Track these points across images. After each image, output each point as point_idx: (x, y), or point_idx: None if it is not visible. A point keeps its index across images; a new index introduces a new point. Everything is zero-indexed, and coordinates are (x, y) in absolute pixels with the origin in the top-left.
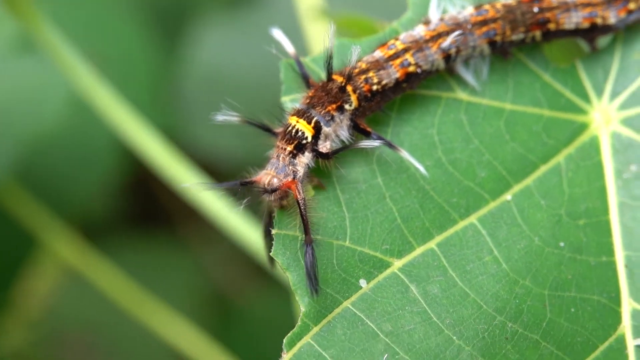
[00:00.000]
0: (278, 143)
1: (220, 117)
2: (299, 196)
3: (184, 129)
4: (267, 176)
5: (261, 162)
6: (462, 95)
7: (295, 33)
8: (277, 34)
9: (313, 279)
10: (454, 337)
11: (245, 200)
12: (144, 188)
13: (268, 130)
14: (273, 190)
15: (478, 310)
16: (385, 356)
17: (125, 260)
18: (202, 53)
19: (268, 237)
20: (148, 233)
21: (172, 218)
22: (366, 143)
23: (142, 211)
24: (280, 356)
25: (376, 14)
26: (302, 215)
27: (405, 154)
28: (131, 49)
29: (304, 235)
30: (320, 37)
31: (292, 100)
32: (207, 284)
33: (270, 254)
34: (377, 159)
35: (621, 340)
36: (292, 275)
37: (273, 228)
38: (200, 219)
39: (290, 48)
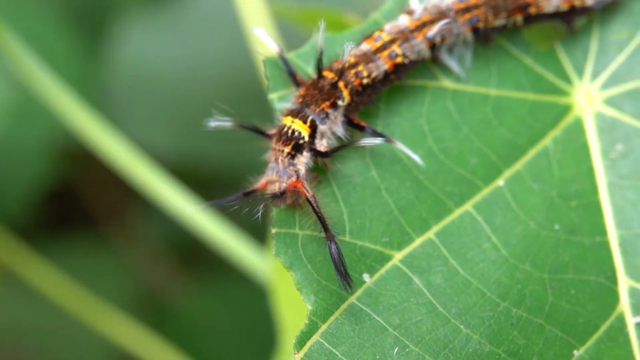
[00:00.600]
0: (274, 145)
1: (212, 124)
2: (308, 194)
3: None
4: (270, 183)
5: (198, 158)
6: (447, 83)
7: (229, 25)
8: (260, 32)
9: (344, 274)
10: (462, 326)
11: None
12: (69, 190)
13: (261, 133)
14: (282, 194)
15: (482, 297)
16: (396, 350)
17: (57, 262)
18: (127, 52)
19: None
20: (74, 235)
21: (95, 219)
22: (367, 141)
23: (67, 213)
24: (292, 356)
25: (328, 4)
26: (316, 213)
27: (401, 146)
28: (53, 51)
29: (324, 233)
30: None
31: (279, 97)
32: (137, 283)
33: (273, 253)
34: (369, 152)
35: (621, 319)
36: (295, 274)
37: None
38: (123, 219)
39: (274, 46)
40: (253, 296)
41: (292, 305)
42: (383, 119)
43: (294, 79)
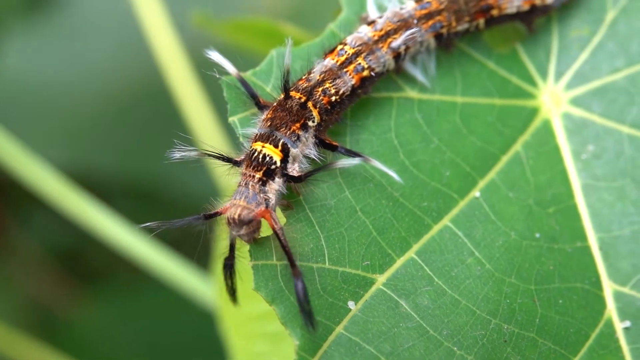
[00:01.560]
0: (244, 171)
1: (177, 155)
2: (275, 226)
3: None
4: (236, 207)
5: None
6: (412, 93)
7: (121, 29)
8: (215, 55)
9: (308, 313)
10: (455, 348)
11: (210, 234)
12: None
13: (228, 160)
14: (247, 222)
15: (472, 316)
16: None
17: None
18: (6, 64)
19: (227, 270)
20: None
21: None
22: (343, 163)
23: None
24: None
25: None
26: (283, 247)
27: (378, 165)
28: None
29: (290, 268)
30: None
31: (240, 119)
32: (22, 295)
33: (253, 288)
34: (340, 172)
35: (609, 325)
36: (278, 308)
37: (232, 261)
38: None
39: (231, 69)
40: (155, 307)
41: (239, 329)
42: (350, 135)
43: (256, 101)
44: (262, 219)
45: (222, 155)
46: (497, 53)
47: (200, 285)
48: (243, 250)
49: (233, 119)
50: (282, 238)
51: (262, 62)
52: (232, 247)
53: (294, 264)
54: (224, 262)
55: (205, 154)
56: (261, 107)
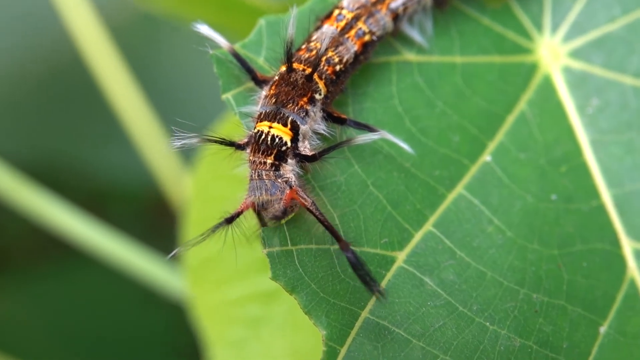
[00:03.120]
0: (251, 157)
1: (177, 144)
2: (306, 203)
3: None
4: (267, 204)
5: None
6: (410, 56)
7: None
8: (204, 29)
9: (372, 282)
10: (487, 324)
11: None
12: None
13: (231, 144)
14: (283, 213)
15: (500, 287)
16: None
17: None
18: None
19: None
20: None
21: None
22: (363, 139)
23: None
24: None
25: None
26: (322, 222)
27: (389, 136)
28: None
29: (337, 243)
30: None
31: (234, 96)
32: None
33: (269, 277)
34: (347, 146)
35: (633, 285)
36: (299, 297)
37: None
38: None
39: (224, 43)
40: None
41: (214, 315)
42: (353, 105)
43: (253, 76)
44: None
45: (223, 139)
46: (491, 9)
47: (142, 263)
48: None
49: (227, 96)
50: (317, 213)
51: (251, 32)
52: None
53: (338, 236)
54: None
55: (206, 139)
56: (259, 82)
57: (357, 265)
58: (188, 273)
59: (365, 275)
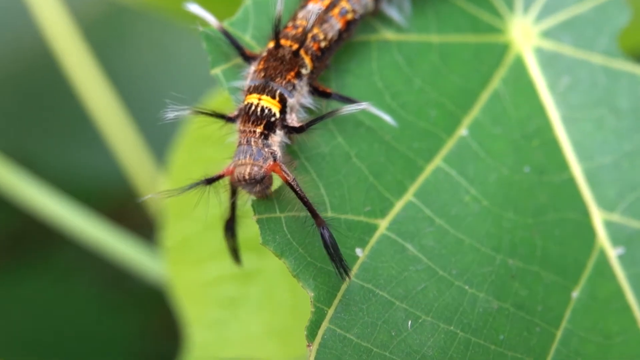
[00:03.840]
0: (241, 127)
1: (171, 115)
2: (288, 178)
3: None
4: (244, 166)
5: None
6: (389, 35)
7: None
8: (194, 8)
9: (340, 261)
10: (466, 287)
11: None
12: None
13: (221, 117)
14: (259, 180)
15: (477, 253)
16: (410, 322)
17: None
18: None
19: (229, 232)
20: None
21: None
22: (348, 109)
23: None
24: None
25: None
26: (300, 197)
27: (373, 110)
28: None
29: (312, 219)
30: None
31: (224, 72)
32: None
33: (260, 243)
34: (332, 119)
35: (602, 253)
36: (288, 260)
37: (233, 224)
38: None
39: (212, 20)
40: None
41: (192, 296)
42: (336, 81)
43: (241, 52)
44: (273, 173)
45: (214, 112)
46: None
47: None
48: (242, 210)
49: (216, 71)
50: (297, 189)
51: (238, 11)
52: (233, 209)
53: (315, 213)
54: (226, 224)
55: (197, 111)
56: (247, 58)
57: (330, 244)
58: (165, 254)
59: (335, 255)
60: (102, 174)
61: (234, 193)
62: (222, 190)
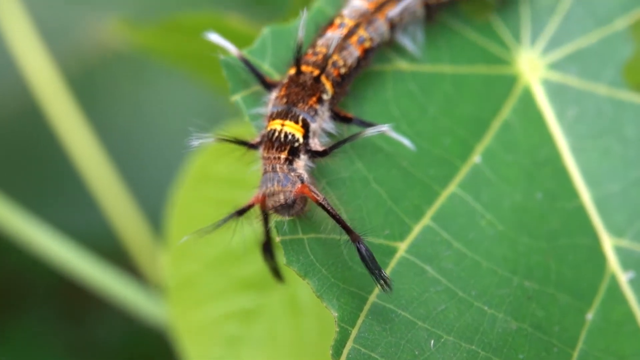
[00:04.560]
0: (265, 154)
1: (195, 143)
2: (318, 198)
3: None
4: (275, 195)
5: None
6: (403, 65)
7: None
8: (214, 37)
9: (381, 275)
10: (485, 307)
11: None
12: None
13: (244, 144)
14: (292, 203)
15: (495, 276)
16: (432, 342)
17: None
18: None
19: (268, 254)
20: None
21: None
22: (371, 131)
23: None
24: None
25: None
26: (333, 216)
27: (392, 133)
28: None
29: (347, 236)
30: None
31: (243, 97)
32: None
33: (284, 263)
34: (350, 144)
35: (613, 277)
36: (312, 281)
37: (270, 245)
38: None
39: (234, 50)
40: None
41: (194, 335)
42: (354, 107)
43: (262, 80)
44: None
45: (237, 139)
46: (475, 24)
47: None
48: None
49: (236, 98)
50: (329, 208)
51: (256, 40)
52: (267, 232)
53: (349, 229)
54: (263, 248)
55: (221, 139)
56: (267, 85)
57: (367, 257)
58: (167, 294)
59: (375, 268)
60: (87, 227)
61: (266, 219)
62: (253, 218)
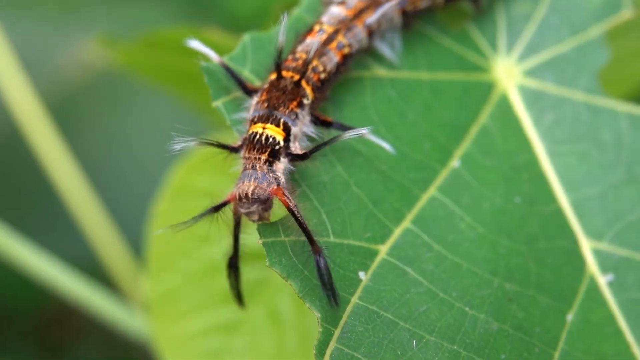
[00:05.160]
0: (247, 154)
1: (178, 146)
2: (290, 204)
3: None
4: (247, 187)
5: None
6: (381, 72)
7: None
8: (195, 44)
9: (332, 290)
10: (466, 308)
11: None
12: None
13: (225, 147)
14: (261, 201)
15: (476, 277)
16: (414, 342)
17: None
18: None
19: (233, 270)
20: None
21: None
22: (349, 134)
23: None
24: None
25: None
26: (300, 224)
27: (372, 137)
28: None
29: (310, 245)
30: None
31: (225, 104)
32: None
33: (266, 265)
34: (330, 148)
35: (593, 280)
36: (294, 283)
37: (237, 260)
38: None
39: (215, 57)
40: None
41: (176, 350)
42: (333, 112)
43: (242, 86)
44: (275, 198)
45: (219, 143)
46: (451, 32)
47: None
48: (246, 245)
49: (217, 103)
50: (298, 215)
51: (236, 46)
52: (236, 242)
53: (312, 240)
54: (229, 262)
55: (203, 142)
56: (248, 91)
57: (324, 270)
58: (147, 308)
59: (328, 283)
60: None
61: (237, 224)
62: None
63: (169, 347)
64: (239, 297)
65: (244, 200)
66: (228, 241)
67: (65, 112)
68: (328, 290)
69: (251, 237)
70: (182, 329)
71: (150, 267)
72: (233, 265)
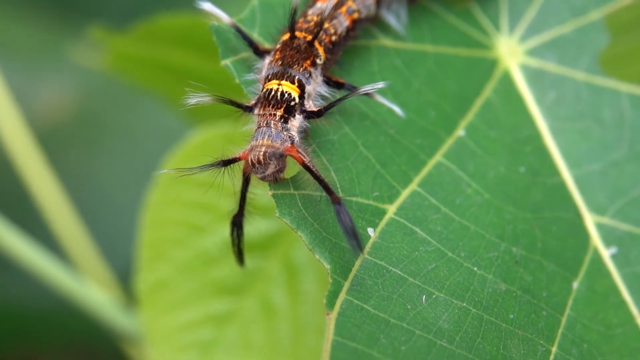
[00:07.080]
0: (262, 111)
1: (192, 101)
2: (305, 159)
3: None
4: (261, 147)
5: None
6: (386, 42)
7: None
8: (207, 5)
9: (355, 236)
10: (475, 268)
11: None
12: None
13: (239, 106)
14: (276, 160)
15: (483, 239)
16: (424, 297)
17: None
18: None
19: (236, 229)
20: None
21: None
22: (365, 89)
23: None
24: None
25: None
26: (317, 178)
27: (384, 100)
28: None
29: (327, 196)
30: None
31: (233, 63)
32: None
33: (276, 215)
34: (337, 110)
35: (596, 252)
36: (304, 234)
37: (241, 219)
38: None
39: (226, 17)
40: None
41: (166, 341)
42: (342, 76)
43: (254, 47)
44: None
45: (233, 100)
46: (455, 10)
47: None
48: (252, 206)
49: (226, 62)
50: (314, 170)
51: (245, 10)
52: (242, 201)
53: (331, 191)
54: (233, 220)
55: (217, 99)
56: (259, 52)
57: (346, 218)
58: (139, 299)
59: (351, 230)
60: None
61: (246, 182)
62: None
63: (160, 339)
64: (240, 256)
65: (256, 165)
66: (235, 198)
67: (52, 140)
68: (351, 237)
69: (250, 232)
70: (173, 320)
71: (142, 256)
72: (237, 223)
